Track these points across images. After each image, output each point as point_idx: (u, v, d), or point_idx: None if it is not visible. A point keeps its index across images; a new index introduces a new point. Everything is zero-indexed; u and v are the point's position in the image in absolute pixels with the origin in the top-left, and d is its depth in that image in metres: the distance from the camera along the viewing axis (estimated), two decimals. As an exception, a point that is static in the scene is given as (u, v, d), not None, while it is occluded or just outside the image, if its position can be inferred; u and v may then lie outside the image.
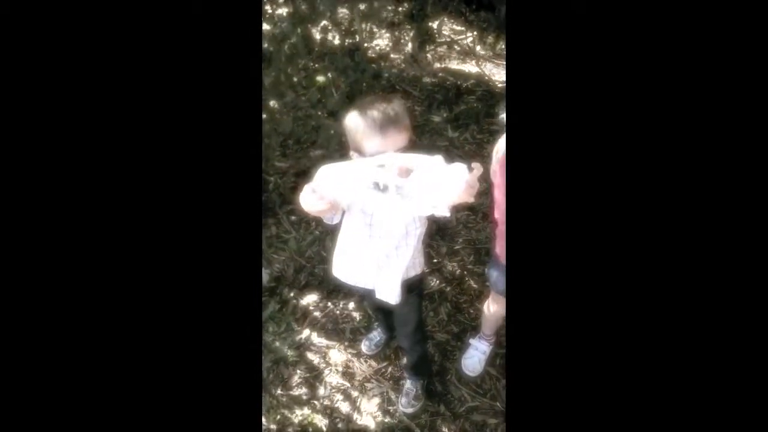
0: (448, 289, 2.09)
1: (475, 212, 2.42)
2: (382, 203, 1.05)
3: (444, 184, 0.97)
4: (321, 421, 1.69)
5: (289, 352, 1.89)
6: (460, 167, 0.98)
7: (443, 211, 0.99)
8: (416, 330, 1.56)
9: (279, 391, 1.77)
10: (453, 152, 2.74)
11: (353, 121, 1.18)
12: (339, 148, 2.70)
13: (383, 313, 1.74)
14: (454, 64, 3.56)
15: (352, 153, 1.21)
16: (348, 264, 1.41)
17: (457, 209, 1.52)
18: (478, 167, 0.99)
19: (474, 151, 2.78)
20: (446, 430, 1.66)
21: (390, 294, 1.36)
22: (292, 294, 2.10)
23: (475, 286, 2.09)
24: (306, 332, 1.97)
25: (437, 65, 3.50)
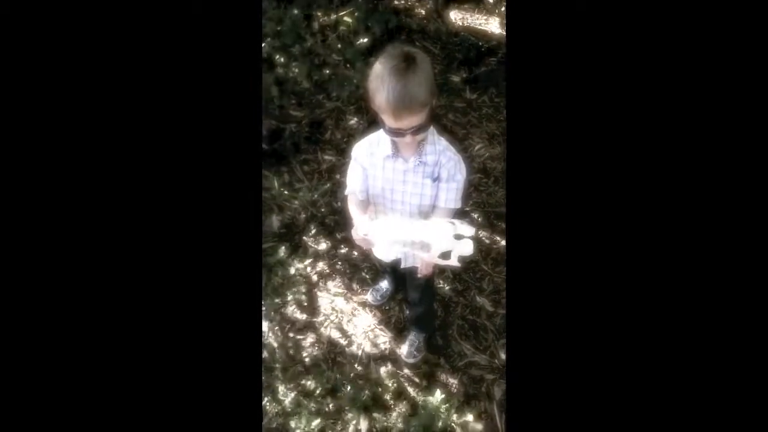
0: (456, 248, 2.11)
1: (487, 175, 2.41)
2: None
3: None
4: (325, 364, 1.75)
5: (296, 297, 1.93)
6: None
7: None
8: (428, 284, 1.59)
9: (284, 334, 1.82)
10: (470, 114, 2.70)
11: (373, 84, 1.10)
12: (355, 101, 2.66)
13: (392, 266, 1.76)
14: (478, 23, 3.45)
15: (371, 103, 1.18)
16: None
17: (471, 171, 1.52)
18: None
19: (491, 115, 2.74)
20: (445, 381, 1.72)
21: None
22: (301, 241, 2.12)
23: (482, 246, 2.11)
24: (314, 279, 2.00)
25: (460, 23, 3.40)
